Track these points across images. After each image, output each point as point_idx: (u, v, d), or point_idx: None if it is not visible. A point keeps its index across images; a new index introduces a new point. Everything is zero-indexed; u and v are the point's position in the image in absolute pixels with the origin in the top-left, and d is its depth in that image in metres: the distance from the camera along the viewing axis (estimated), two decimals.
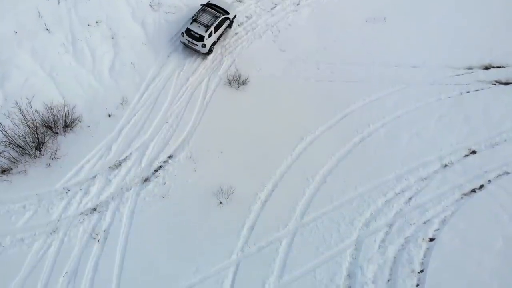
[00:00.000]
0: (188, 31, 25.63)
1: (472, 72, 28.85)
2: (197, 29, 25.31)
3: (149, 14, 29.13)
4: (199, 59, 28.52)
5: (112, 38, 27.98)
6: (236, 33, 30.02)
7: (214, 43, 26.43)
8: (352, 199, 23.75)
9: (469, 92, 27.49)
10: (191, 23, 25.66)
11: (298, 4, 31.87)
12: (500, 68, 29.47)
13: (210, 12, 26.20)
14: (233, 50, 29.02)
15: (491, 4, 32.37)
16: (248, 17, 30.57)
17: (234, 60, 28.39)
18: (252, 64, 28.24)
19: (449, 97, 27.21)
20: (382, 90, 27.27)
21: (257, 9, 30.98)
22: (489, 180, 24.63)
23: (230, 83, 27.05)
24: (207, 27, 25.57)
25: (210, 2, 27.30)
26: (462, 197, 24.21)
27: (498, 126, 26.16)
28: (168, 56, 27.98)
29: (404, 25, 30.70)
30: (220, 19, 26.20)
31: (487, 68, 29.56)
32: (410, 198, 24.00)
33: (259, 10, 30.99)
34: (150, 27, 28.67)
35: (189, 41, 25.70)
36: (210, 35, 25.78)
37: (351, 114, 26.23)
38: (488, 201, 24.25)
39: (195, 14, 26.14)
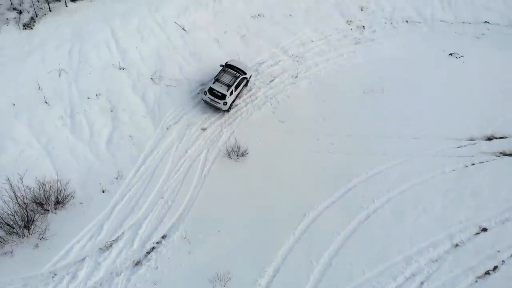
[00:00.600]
0: (211, 90, 24.70)
1: (474, 144, 24.85)
2: (220, 88, 24.52)
3: (150, 87, 25.42)
4: (198, 131, 24.44)
5: (112, 111, 24.22)
6: (236, 105, 26.18)
7: (233, 101, 25.50)
8: (360, 285, 19.36)
9: (473, 164, 23.48)
10: (213, 83, 24.82)
11: (296, 77, 28.15)
12: (503, 139, 25.76)
13: (230, 72, 25.43)
14: (233, 122, 25.19)
15: (488, 73, 28.65)
16: (248, 90, 26.97)
17: (234, 131, 24.52)
18: (251, 136, 24.35)
19: (453, 170, 23.16)
20: (384, 163, 23.36)
21: (256, 82, 27.19)
22: (503, 261, 20.33)
23: (229, 155, 23.22)
24: (228, 86, 24.73)
25: (228, 63, 26.44)
26: (476, 281, 19.73)
27: (506, 201, 22.03)
28: (167, 128, 24.11)
29: (402, 96, 27.00)
30: (239, 78, 25.38)
31: (489, 139, 25.98)
32: (422, 283, 19.58)
33: (258, 83, 27.19)
34: (150, 99, 24.94)
35: (211, 99, 24.67)
36: (231, 93, 24.86)
37: (355, 188, 22.21)
38: (504, 284, 20.04)
39: (217, 75, 25.38)
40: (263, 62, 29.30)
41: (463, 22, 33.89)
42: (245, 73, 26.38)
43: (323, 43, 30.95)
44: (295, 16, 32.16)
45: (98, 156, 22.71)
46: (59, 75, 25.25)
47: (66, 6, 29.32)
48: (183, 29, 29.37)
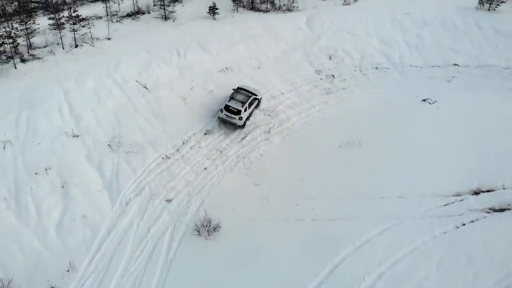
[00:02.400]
0: (227, 107, 24.91)
1: (462, 200, 21.34)
2: (235, 105, 24.85)
3: (107, 156, 21.34)
4: (163, 203, 20.30)
5: (63, 187, 19.92)
6: (205, 168, 22.24)
7: (247, 118, 25.57)
8: None
9: (464, 224, 19.92)
10: (229, 101, 25.16)
11: (269, 132, 24.63)
12: (490, 192, 23.04)
13: (243, 93, 26.00)
14: (202, 189, 21.16)
15: (463, 119, 25.60)
16: (218, 150, 23.36)
17: (203, 201, 20.54)
18: (223, 204, 20.49)
19: (444, 233, 19.52)
20: (371, 229, 19.59)
21: (227, 141, 23.69)
22: None
23: (198, 231, 19.09)
24: (242, 103, 25.10)
25: (240, 87, 26.72)
26: None
27: (503, 266, 18.34)
28: (127, 203, 19.94)
29: (379, 149, 23.68)
30: (252, 98, 25.78)
31: (476, 193, 23.17)
32: None
33: (229, 141, 23.60)
34: (107, 170, 20.82)
35: (227, 115, 24.78)
36: (245, 110, 25.06)
37: (342, 264, 18.21)
38: None
39: (231, 94, 25.82)
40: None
41: (432, 66, 31.68)
42: (256, 95, 26.52)
43: (294, 94, 27.68)
44: (263, 68, 28.77)
45: (46, 244, 18.20)
46: (4, 148, 20.73)
47: (15, 67, 25.08)
48: (145, 87, 25.46)
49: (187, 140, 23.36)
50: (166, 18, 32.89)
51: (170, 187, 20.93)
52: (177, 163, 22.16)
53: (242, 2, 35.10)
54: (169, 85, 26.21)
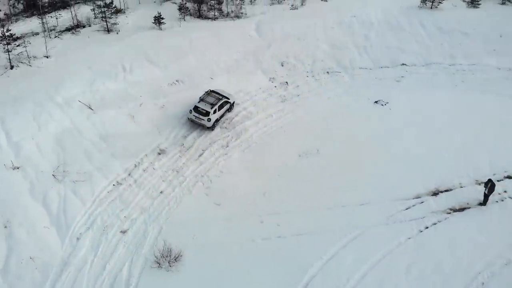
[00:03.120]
0: (196, 108, 24.48)
1: (422, 202, 20.67)
2: (204, 106, 24.49)
3: (53, 187, 19.14)
4: (117, 235, 18.37)
5: (5, 227, 17.57)
6: (161, 192, 20.43)
7: (217, 120, 25.09)
8: None
9: (427, 227, 19.41)
10: (198, 102, 24.78)
11: (227, 146, 23.18)
12: (449, 192, 22.86)
13: (214, 95, 25.52)
14: (159, 215, 19.37)
15: (415, 118, 25.25)
16: (174, 170, 21.69)
17: (161, 228, 18.76)
18: (184, 230, 18.76)
19: (409, 238, 18.92)
20: (336, 241, 18.65)
21: (183, 159, 21.98)
22: None
23: (159, 263, 17.37)
24: (212, 105, 24.62)
25: (211, 90, 26.06)
26: None
27: (471, 268, 17.91)
28: (78, 238, 17.87)
29: (338, 156, 22.87)
30: (222, 101, 25.28)
31: (435, 194, 22.41)
32: None
33: (185, 160, 21.91)
34: (54, 204, 18.63)
35: (196, 116, 24.39)
36: (214, 112, 24.50)
37: (312, 282, 17.10)
38: None
39: (201, 96, 25.30)
40: (188, 134, 24.71)
41: (381, 67, 31.34)
42: (227, 98, 25.98)
43: (250, 104, 26.28)
44: (216, 78, 27.30)
45: None
46: None
47: None
48: (90, 108, 23.27)
49: (139, 163, 21.57)
50: (108, 30, 30.68)
51: (124, 216, 19.03)
52: (130, 189, 20.35)
53: (189, 10, 33.43)
54: (115, 103, 24.18)
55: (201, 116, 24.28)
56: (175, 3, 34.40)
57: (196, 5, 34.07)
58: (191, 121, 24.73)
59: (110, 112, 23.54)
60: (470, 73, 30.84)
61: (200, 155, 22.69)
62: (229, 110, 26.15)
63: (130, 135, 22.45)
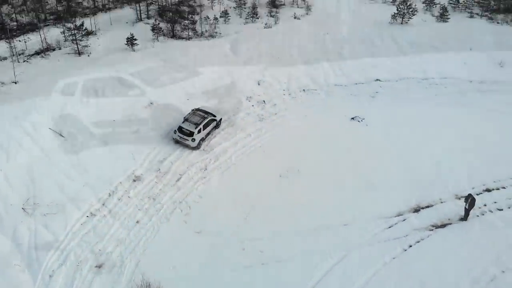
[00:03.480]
0: (180, 129, 23.86)
1: (404, 220, 20.12)
2: (188, 126, 23.89)
3: (23, 221, 17.86)
4: (92, 271, 17.06)
5: None
6: (138, 221, 19.16)
7: (202, 139, 24.36)
8: None
9: (411, 246, 18.87)
10: (183, 122, 24.18)
11: (205, 169, 22.21)
12: (430, 208, 22.97)
13: (199, 114, 24.92)
14: (136, 247, 18.12)
15: (391, 134, 24.92)
16: (150, 197, 20.44)
17: (139, 261, 17.51)
18: (163, 262, 17.64)
19: (394, 258, 18.31)
20: (321, 266, 17.84)
21: (159, 185, 20.85)
22: None
23: None
24: (196, 125, 23.97)
25: (198, 108, 25.58)
26: None
27: (456, 286, 17.31)
28: (50, 276, 16.57)
29: (319, 176, 22.24)
30: (208, 119, 24.60)
31: (416, 210, 22.28)
32: None
33: (162, 186, 20.85)
34: (24, 239, 17.35)
35: (180, 137, 23.73)
36: (199, 131, 23.91)
37: None
38: None
39: (186, 116, 24.74)
40: (164, 159, 23.78)
41: (356, 83, 31.50)
42: (214, 116, 25.30)
43: (227, 124, 25.50)
44: (193, 99, 26.50)
45: None
46: None
47: None
48: (61, 135, 22.11)
49: (113, 191, 20.43)
50: (79, 53, 29.59)
51: (99, 249, 17.77)
52: (105, 220, 19.21)
53: (162, 31, 32.73)
54: (87, 128, 23.09)
55: (185, 137, 23.64)
56: (148, 24, 33.68)
57: (169, 25, 33.43)
58: (176, 141, 24.06)
59: (82, 138, 22.36)
60: (443, 87, 31.12)
61: (178, 180, 21.77)
62: (216, 127, 25.56)
63: (103, 162, 21.37)
